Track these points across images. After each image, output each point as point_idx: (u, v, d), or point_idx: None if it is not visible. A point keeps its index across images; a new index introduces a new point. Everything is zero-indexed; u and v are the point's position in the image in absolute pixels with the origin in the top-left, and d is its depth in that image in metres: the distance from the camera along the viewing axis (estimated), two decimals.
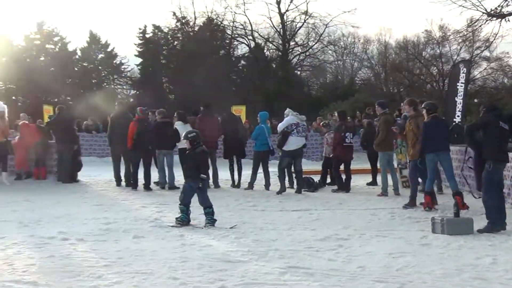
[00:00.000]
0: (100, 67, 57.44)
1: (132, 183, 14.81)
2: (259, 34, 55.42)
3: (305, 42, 55.65)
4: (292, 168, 14.94)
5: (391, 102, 31.92)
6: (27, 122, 17.31)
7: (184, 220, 9.59)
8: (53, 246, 7.92)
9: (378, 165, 14.52)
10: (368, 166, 16.54)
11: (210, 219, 9.54)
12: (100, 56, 57.56)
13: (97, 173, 17.28)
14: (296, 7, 53.78)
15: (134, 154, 14.73)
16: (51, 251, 7.58)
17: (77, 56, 57.13)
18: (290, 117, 14.49)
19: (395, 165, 14.66)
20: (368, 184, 15.95)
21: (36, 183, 15.57)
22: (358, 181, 16.20)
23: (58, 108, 16.86)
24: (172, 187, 14.68)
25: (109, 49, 57.45)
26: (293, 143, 14.24)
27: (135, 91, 57.70)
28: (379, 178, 14.54)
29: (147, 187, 14.57)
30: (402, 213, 11.05)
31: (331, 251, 7.60)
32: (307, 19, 53.76)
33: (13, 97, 50.76)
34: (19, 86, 50.28)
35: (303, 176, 14.87)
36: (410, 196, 11.75)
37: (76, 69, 54.78)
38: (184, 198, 9.69)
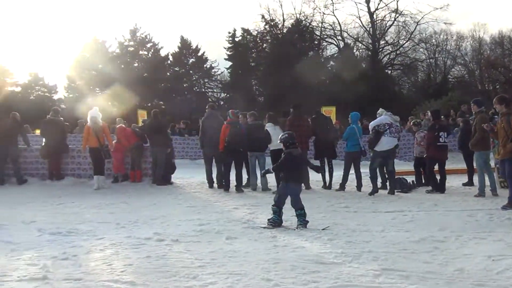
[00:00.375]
0: (191, 71, 58.62)
1: (224, 185, 14.97)
2: (348, 34, 55.12)
3: (395, 41, 54.82)
4: (384, 168, 14.69)
5: (486, 100, 30.86)
6: (124, 125, 17.77)
7: (276, 222, 9.59)
8: (149, 247, 8.10)
9: (475, 165, 14.05)
10: (462, 166, 16.04)
11: (302, 221, 9.50)
12: (191, 60, 58.73)
13: (190, 175, 17.57)
14: (386, 5, 53.12)
15: (225, 156, 14.88)
16: (147, 252, 7.75)
17: (169, 61, 58.44)
18: (383, 117, 14.26)
19: (492, 164, 14.13)
20: (464, 184, 15.47)
21: (132, 185, 15.98)
22: (453, 182, 15.74)
23: (152, 113, 17.26)
24: (265, 189, 14.73)
25: (199, 54, 58.51)
26: (385, 143, 13.99)
27: (225, 94, 58.54)
28: (475, 178, 14.07)
29: (239, 189, 14.68)
30: (501, 214, 10.62)
31: (427, 254, 7.39)
32: (397, 17, 53.02)
33: (109, 102, 52.49)
34: (114, 92, 51.88)
35: (396, 176, 14.59)
36: (508, 197, 11.29)
37: (168, 74, 56.15)
38: (279, 199, 9.70)
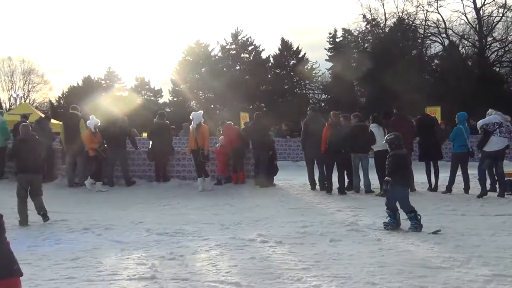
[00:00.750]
0: (292, 73, 58.73)
1: (326, 187, 14.88)
2: (453, 32, 53.42)
3: (503, 37, 52.58)
4: (494, 170, 14.11)
5: None
6: (231, 123, 17.92)
7: (391, 224, 9.44)
8: (254, 248, 8.18)
9: None
10: None
11: (414, 224, 9.28)
12: (292, 62, 58.85)
13: (292, 177, 17.59)
14: (493, 0, 51.06)
15: (327, 158, 14.79)
16: (251, 253, 7.82)
17: (270, 64, 58.85)
18: (492, 116, 13.73)
19: None
20: None
21: (235, 187, 16.13)
22: None
23: (255, 115, 17.41)
24: (368, 191, 14.53)
25: (300, 55, 58.57)
26: (495, 143, 13.47)
27: (326, 96, 58.22)
28: None
29: (341, 190, 14.55)
30: None
31: None
32: (506, 12, 50.83)
33: (211, 105, 53.53)
34: (217, 95, 52.82)
35: (506, 178, 13.98)
36: None
37: (269, 76, 56.50)
38: (388, 203, 9.54)
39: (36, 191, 11.24)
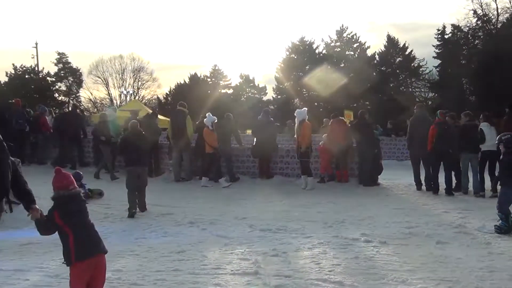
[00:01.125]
0: (398, 71, 57.73)
1: (432, 187, 14.49)
2: None
3: None
4: None
5: None
6: (342, 118, 17.79)
7: (503, 228, 9.08)
8: (357, 248, 8.08)
9: None
10: None
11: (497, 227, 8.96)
12: (398, 59, 57.85)
13: (397, 176, 17.25)
14: None
15: (434, 158, 14.40)
16: (355, 253, 7.74)
17: (375, 61, 58.10)
18: None
19: None
20: None
21: (338, 185, 15.99)
22: None
23: (360, 113, 17.18)
24: (477, 192, 14.00)
25: (406, 52, 57.48)
26: None
27: (433, 94, 56.79)
28: None
29: (448, 191, 14.11)
30: None
31: None
32: None
33: (315, 103, 53.45)
34: (321, 92, 52.61)
35: None
36: None
37: (374, 74, 55.80)
38: (500, 206, 9.19)
39: (143, 183, 11.88)
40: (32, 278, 6.43)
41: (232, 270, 6.96)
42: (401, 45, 58.17)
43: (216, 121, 16.57)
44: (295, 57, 59.24)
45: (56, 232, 5.10)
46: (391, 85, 57.01)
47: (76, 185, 5.20)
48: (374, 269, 6.84)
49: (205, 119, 16.53)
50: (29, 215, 5.38)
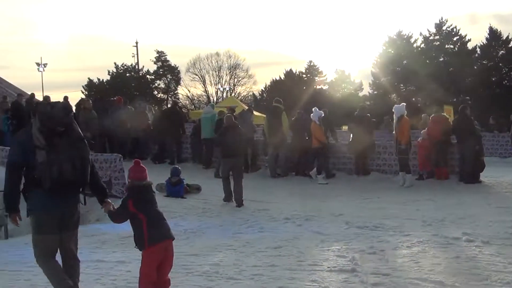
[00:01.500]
0: (500, 64, 55.61)
1: None
2: None
3: None
4: None
5: None
6: (443, 114, 17.34)
7: None
8: (458, 247, 7.83)
9: None
10: None
11: None
12: (501, 52, 55.76)
13: (499, 174, 16.59)
14: None
15: None
16: (456, 252, 7.50)
17: (476, 54, 56.30)
18: None
19: None
20: None
21: (438, 183, 15.51)
22: None
23: (461, 108, 16.62)
24: None
25: (510, 45, 55.34)
26: None
27: None
28: None
29: None
30: None
31: None
32: None
33: (413, 99, 52.29)
34: (419, 87, 51.38)
35: None
36: None
37: (475, 67, 53.97)
38: None
39: (238, 174, 12.21)
40: (134, 270, 6.60)
41: (329, 267, 6.91)
42: (504, 37, 55.97)
43: (323, 115, 16.49)
44: (392, 51, 58.18)
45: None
46: (493, 79, 55.00)
47: (148, 178, 5.58)
48: (477, 270, 6.59)
49: (311, 114, 16.49)
50: (102, 208, 5.72)
